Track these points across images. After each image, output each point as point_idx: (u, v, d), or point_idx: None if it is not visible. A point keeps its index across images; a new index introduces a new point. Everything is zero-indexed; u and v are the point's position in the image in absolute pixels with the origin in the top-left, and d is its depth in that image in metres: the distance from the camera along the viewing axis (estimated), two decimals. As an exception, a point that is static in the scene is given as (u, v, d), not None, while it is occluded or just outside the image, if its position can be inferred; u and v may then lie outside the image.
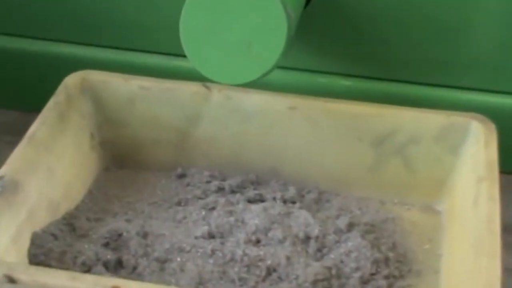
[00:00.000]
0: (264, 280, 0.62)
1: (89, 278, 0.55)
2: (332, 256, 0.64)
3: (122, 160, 0.73)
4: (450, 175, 0.68)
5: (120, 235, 0.64)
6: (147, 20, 0.76)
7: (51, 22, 0.78)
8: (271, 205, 0.67)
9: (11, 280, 0.54)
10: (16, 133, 0.69)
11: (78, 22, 0.77)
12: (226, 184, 0.70)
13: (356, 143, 0.69)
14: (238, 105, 0.68)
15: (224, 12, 0.61)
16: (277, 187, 0.70)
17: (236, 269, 0.63)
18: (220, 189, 0.70)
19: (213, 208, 0.68)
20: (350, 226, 0.66)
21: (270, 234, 0.64)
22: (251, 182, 0.71)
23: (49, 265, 0.62)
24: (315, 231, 0.65)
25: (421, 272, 0.64)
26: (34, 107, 0.71)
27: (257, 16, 0.60)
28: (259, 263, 0.63)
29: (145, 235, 0.64)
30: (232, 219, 0.66)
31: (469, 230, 0.61)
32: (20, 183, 0.62)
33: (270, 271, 0.62)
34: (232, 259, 0.63)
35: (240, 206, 0.68)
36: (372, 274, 0.63)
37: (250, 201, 0.69)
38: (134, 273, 0.62)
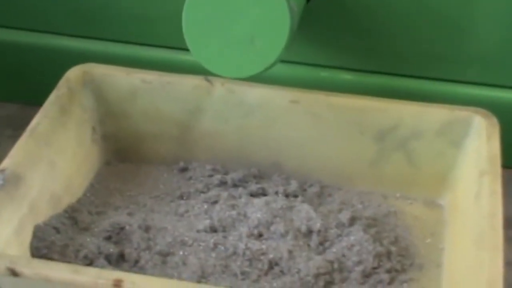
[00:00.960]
0: (266, 273, 0.62)
1: (91, 271, 0.55)
2: (334, 250, 0.64)
3: (124, 154, 0.73)
4: (452, 170, 0.68)
5: (122, 228, 0.65)
6: (149, 14, 0.76)
7: (52, 15, 0.78)
8: (273, 199, 0.67)
9: (14, 273, 0.55)
10: (17, 126, 0.70)
11: (80, 15, 0.78)
12: (229, 178, 0.70)
13: (358, 137, 0.69)
14: (240, 98, 0.68)
15: (227, 6, 0.61)
16: (279, 181, 0.70)
17: (238, 262, 0.63)
18: (223, 183, 0.70)
19: (215, 202, 0.68)
20: (352, 220, 0.66)
21: (272, 228, 0.65)
22: (253, 176, 0.71)
23: (51, 258, 0.62)
24: (317, 225, 0.65)
25: (423, 266, 0.65)
26: (35, 100, 0.72)
27: (260, 10, 0.60)
28: (261, 257, 0.63)
29: (147, 229, 0.65)
30: (234, 213, 0.66)
31: (471, 224, 0.61)
32: (22, 177, 0.62)
33: (272, 264, 0.63)
34: (234, 253, 0.63)
35: (243, 200, 0.68)
36: (374, 268, 0.63)
37: (253, 195, 0.69)
38: (136, 267, 0.63)
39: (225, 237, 0.65)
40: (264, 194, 0.69)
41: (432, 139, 0.68)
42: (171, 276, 0.62)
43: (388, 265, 0.64)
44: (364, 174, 0.70)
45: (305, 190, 0.70)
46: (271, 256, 0.63)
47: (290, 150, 0.71)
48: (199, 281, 0.62)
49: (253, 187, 0.70)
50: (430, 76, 0.75)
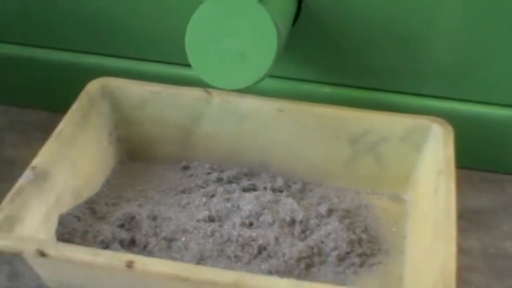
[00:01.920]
0: (256, 257, 0.62)
1: (107, 253, 0.55)
2: (314, 237, 0.64)
3: (135, 154, 0.73)
4: (414, 170, 0.68)
5: (133, 218, 0.64)
6: (157, 35, 0.76)
7: (76, 36, 0.78)
8: (262, 194, 0.67)
9: (42, 254, 0.55)
10: (45, 130, 0.69)
11: (100, 36, 0.78)
12: (224, 175, 0.70)
13: (335, 142, 0.69)
14: (234, 107, 0.68)
15: (223, 28, 0.61)
16: (267, 178, 0.70)
17: (232, 248, 0.63)
18: (219, 180, 0.70)
19: (212, 196, 0.68)
20: (329, 212, 0.66)
21: (261, 218, 0.64)
22: (245, 174, 0.71)
23: (73, 242, 0.62)
24: (300, 216, 0.65)
25: (389, 251, 0.65)
26: (60, 108, 0.72)
27: (252, 32, 0.60)
28: (252, 243, 0.63)
29: (154, 218, 0.65)
30: (229, 205, 0.66)
31: (429, 216, 0.62)
32: (49, 173, 0.62)
33: (261, 249, 0.63)
34: (228, 240, 0.63)
35: (236, 194, 0.68)
36: (348, 253, 0.63)
37: (244, 190, 0.69)
38: (145, 250, 0.62)
39: (221, 226, 0.65)
40: (254, 189, 0.69)
41: (397, 143, 0.68)
42: (174, 259, 0.62)
43: (359, 250, 0.64)
44: (339, 173, 0.70)
45: (289, 186, 0.70)
46: (260, 242, 0.63)
47: (276, 152, 0.71)
48: (198, 263, 0.61)
49: (245, 183, 0.70)
50: (396, 89, 0.74)
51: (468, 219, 0.70)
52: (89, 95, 0.69)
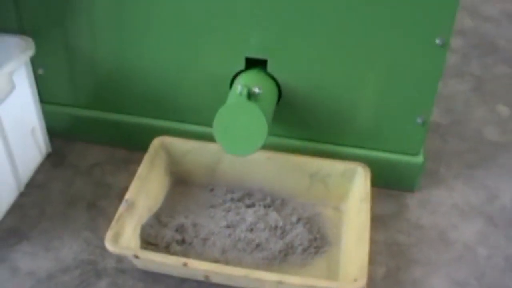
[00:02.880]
0: (254, 250, 0.77)
1: (172, 258, 0.72)
2: (288, 237, 0.78)
3: (180, 182, 0.86)
4: (348, 193, 0.83)
5: (182, 225, 0.79)
6: (197, 105, 0.88)
7: (147, 105, 0.90)
8: (258, 209, 0.81)
9: (137, 257, 0.72)
10: (128, 162, 0.87)
11: (160, 106, 0.90)
12: (235, 196, 0.83)
13: (301, 176, 0.83)
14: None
15: (235, 119, 0.73)
16: (260, 197, 0.83)
17: (241, 244, 0.77)
18: (232, 199, 0.83)
19: (228, 211, 0.81)
20: (298, 220, 0.80)
21: (257, 226, 0.79)
22: (247, 194, 0.84)
23: (149, 243, 0.76)
24: (280, 223, 0.79)
25: (332, 244, 0.79)
26: (136, 148, 0.87)
27: (251, 121, 0.73)
28: (252, 242, 0.77)
29: (195, 225, 0.79)
30: (238, 217, 0.80)
31: (355, 223, 0.77)
32: (135, 202, 0.78)
33: (257, 245, 0.77)
34: (239, 239, 0.78)
35: (242, 210, 0.81)
36: (308, 247, 0.77)
37: (247, 206, 0.82)
38: (190, 246, 0.77)
39: (234, 230, 0.78)
40: (253, 205, 0.82)
41: (337, 177, 0.82)
42: (208, 252, 0.75)
43: (315, 244, 0.78)
44: (304, 193, 0.83)
45: (273, 202, 0.83)
46: (257, 241, 0.77)
47: (266, 181, 0.83)
48: (223, 254, 0.75)
49: (247, 201, 0.83)
50: (337, 142, 0.87)
51: (376, 220, 0.84)
52: (154, 148, 0.84)
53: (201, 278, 0.75)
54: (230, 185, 0.86)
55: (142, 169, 0.82)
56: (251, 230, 0.80)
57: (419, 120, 0.83)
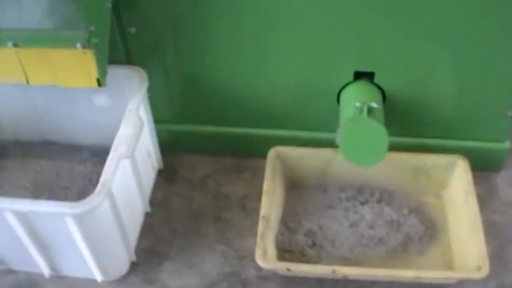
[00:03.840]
0: (375, 245, 0.84)
1: (321, 267, 0.80)
2: (404, 229, 0.86)
3: (294, 185, 0.92)
4: (448, 181, 0.89)
5: (310, 229, 0.86)
6: (306, 114, 0.93)
7: (258, 118, 0.95)
8: (372, 205, 0.88)
9: (289, 270, 0.80)
10: (239, 171, 0.92)
11: (271, 117, 0.94)
12: (348, 195, 0.90)
13: (405, 169, 0.90)
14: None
15: (358, 134, 0.79)
16: (370, 193, 0.90)
17: (364, 241, 0.85)
18: (347, 198, 0.90)
19: (347, 209, 0.88)
20: (409, 212, 0.87)
21: (376, 222, 0.86)
22: (358, 192, 0.90)
23: (284, 250, 0.83)
24: (394, 217, 0.86)
25: (441, 231, 0.86)
26: (243, 157, 0.93)
27: (373, 134, 0.79)
28: (374, 238, 0.85)
29: (321, 227, 0.86)
30: (357, 216, 0.88)
31: (463, 214, 0.84)
32: (269, 216, 0.85)
33: (379, 241, 0.84)
34: (362, 236, 0.85)
35: (359, 207, 0.88)
36: (423, 236, 0.84)
37: (361, 203, 0.89)
38: (321, 249, 0.84)
39: (356, 229, 0.85)
40: (367, 202, 0.88)
41: (439, 169, 0.89)
42: (338, 251, 0.83)
43: (428, 233, 0.85)
44: (407, 184, 0.90)
45: (382, 196, 0.89)
46: (378, 236, 0.85)
47: (373, 177, 0.89)
48: (350, 252, 0.83)
49: (361, 198, 0.89)
50: (433, 136, 0.92)
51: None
52: (271, 160, 0.90)
53: (339, 277, 0.82)
54: (341, 184, 0.92)
55: (267, 184, 0.88)
56: (371, 227, 0.87)
57: (509, 113, 0.90)
